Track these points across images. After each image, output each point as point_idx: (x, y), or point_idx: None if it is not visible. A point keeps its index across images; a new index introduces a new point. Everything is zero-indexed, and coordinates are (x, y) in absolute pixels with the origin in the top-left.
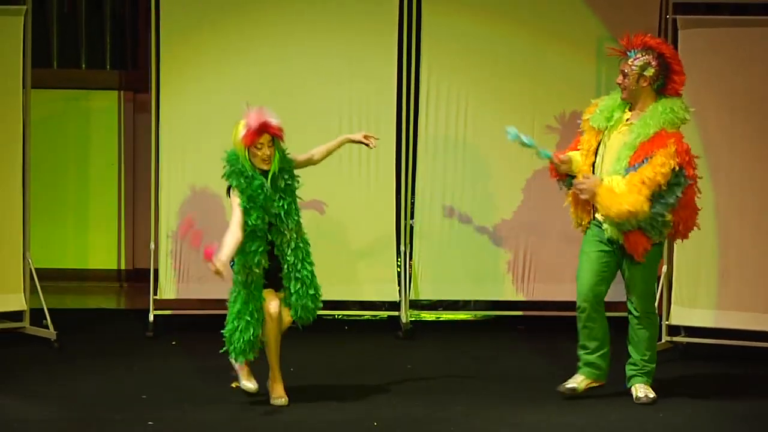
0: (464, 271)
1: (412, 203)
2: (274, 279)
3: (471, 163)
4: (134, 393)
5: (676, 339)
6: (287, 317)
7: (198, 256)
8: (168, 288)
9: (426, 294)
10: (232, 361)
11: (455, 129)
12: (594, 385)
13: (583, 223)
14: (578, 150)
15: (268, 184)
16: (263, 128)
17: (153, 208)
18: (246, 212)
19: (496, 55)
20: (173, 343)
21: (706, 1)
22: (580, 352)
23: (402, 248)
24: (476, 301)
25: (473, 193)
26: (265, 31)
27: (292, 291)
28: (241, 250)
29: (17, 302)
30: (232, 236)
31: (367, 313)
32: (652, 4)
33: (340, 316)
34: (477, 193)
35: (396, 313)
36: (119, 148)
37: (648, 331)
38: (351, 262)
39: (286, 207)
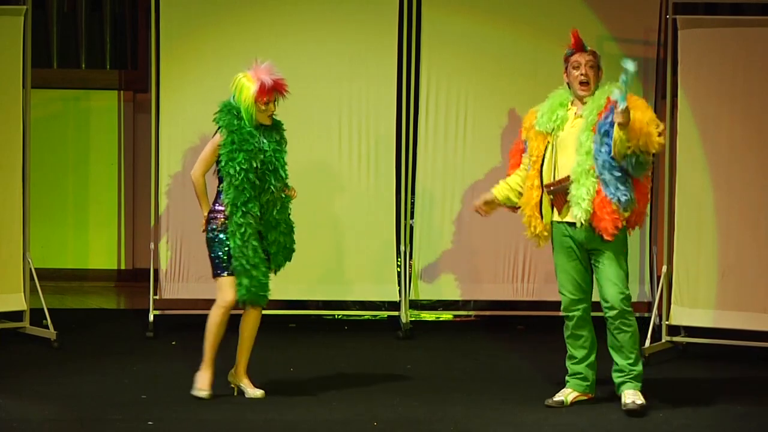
0: (464, 270)
1: (412, 203)
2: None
3: (471, 162)
4: (134, 393)
5: (675, 339)
6: (254, 313)
7: (197, 255)
8: (168, 288)
9: (425, 294)
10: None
11: (455, 129)
12: (582, 398)
13: (537, 230)
14: (517, 168)
15: (262, 138)
16: (278, 87)
17: (153, 208)
18: (232, 153)
19: (496, 55)
20: (173, 343)
21: (706, 1)
22: (568, 363)
23: (402, 248)
24: (476, 301)
25: (473, 193)
26: (265, 31)
27: (276, 248)
28: (234, 203)
29: (17, 302)
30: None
31: (367, 313)
32: (652, 4)
33: (340, 316)
34: (477, 192)
35: (396, 313)
36: (119, 148)
37: (628, 332)
38: (351, 262)
39: (280, 160)
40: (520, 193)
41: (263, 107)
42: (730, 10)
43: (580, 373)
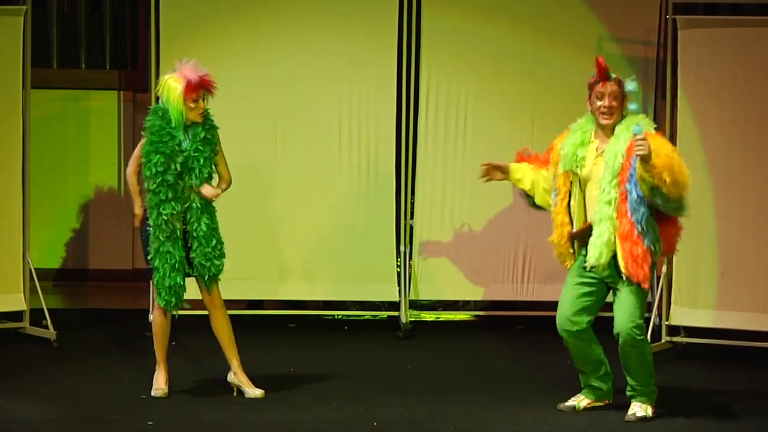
0: (464, 271)
1: (412, 203)
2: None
3: (471, 162)
4: (134, 393)
5: (675, 339)
6: (215, 312)
7: None
8: None
9: (425, 294)
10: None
11: (455, 129)
12: (597, 404)
13: (567, 265)
14: (544, 166)
15: (188, 138)
16: (204, 84)
17: None
18: (148, 155)
19: (496, 54)
20: (173, 343)
21: (706, 2)
22: (580, 375)
23: (402, 248)
24: (476, 301)
25: (473, 192)
26: (265, 31)
27: (202, 249)
28: (157, 203)
29: (17, 302)
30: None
31: (367, 313)
32: (652, 4)
33: (340, 316)
34: (477, 192)
35: (396, 313)
36: (119, 148)
37: (636, 359)
38: (351, 263)
39: (200, 160)
40: (531, 195)
41: (192, 105)
42: (730, 11)
43: (592, 385)
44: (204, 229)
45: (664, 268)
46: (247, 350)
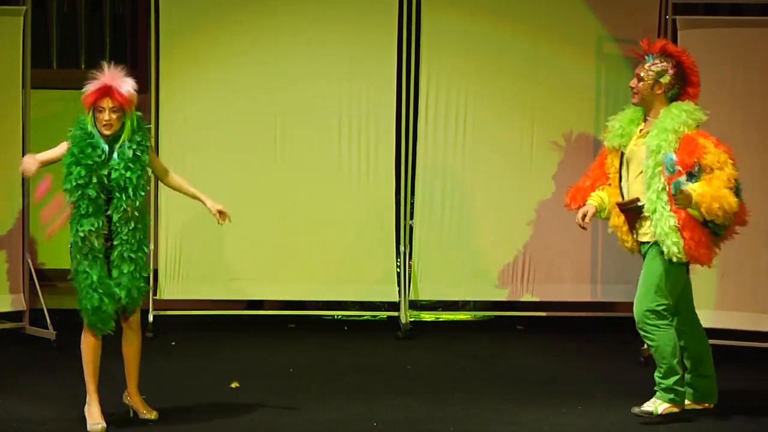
0: (464, 271)
1: (412, 203)
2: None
3: (471, 162)
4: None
5: None
6: (127, 333)
7: (197, 256)
8: (168, 288)
9: (425, 294)
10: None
11: (455, 129)
12: (697, 406)
13: (630, 246)
14: (601, 181)
15: (115, 153)
16: (106, 91)
17: (152, 208)
18: (69, 167)
19: (496, 54)
20: (173, 343)
21: (705, 2)
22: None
23: (402, 248)
24: (476, 302)
25: (473, 192)
26: (265, 31)
27: (125, 271)
28: (78, 218)
29: (17, 302)
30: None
31: (367, 314)
32: (652, 4)
33: (339, 317)
34: (477, 192)
35: (395, 314)
36: None
37: (651, 346)
38: (351, 263)
39: (132, 180)
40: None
41: (98, 114)
42: (730, 11)
43: (689, 384)
44: (125, 250)
45: None
46: (247, 350)
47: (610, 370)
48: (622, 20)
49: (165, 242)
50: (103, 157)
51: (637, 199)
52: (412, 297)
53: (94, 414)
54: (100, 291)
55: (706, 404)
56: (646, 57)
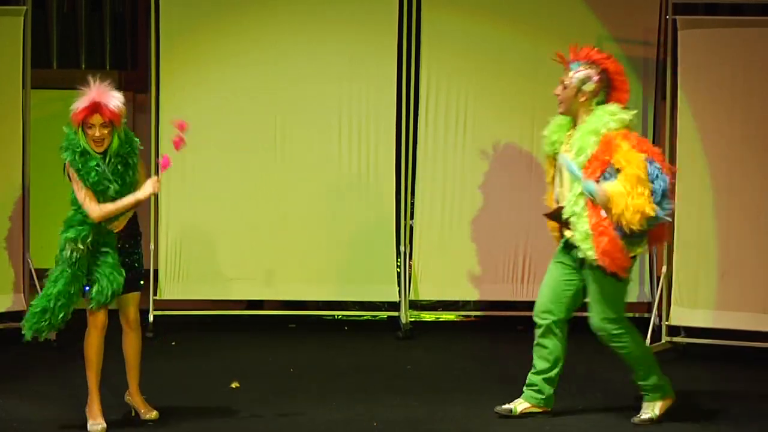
0: (464, 271)
1: (412, 203)
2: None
3: (471, 162)
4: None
5: (675, 339)
6: (133, 314)
7: (197, 256)
8: (168, 288)
9: (425, 294)
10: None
11: (455, 129)
12: (534, 410)
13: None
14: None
15: (104, 165)
16: (95, 108)
17: (153, 208)
18: (98, 186)
19: (496, 54)
20: (173, 343)
21: (706, 2)
22: (530, 372)
23: (402, 248)
24: (476, 302)
25: (473, 192)
26: (265, 31)
27: (106, 274)
28: (69, 224)
29: (17, 302)
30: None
31: (367, 314)
32: (652, 4)
33: (339, 317)
34: (477, 192)
35: (396, 314)
36: None
37: (623, 352)
38: (351, 263)
39: (122, 193)
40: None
41: (88, 131)
42: (730, 11)
43: (535, 385)
44: (109, 256)
45: (664, 269)
46: (247, 350)
47: (611, 369)
48: (622, 20)
49: (165, 242)
50: (101, 173)
51: (561, 207)
52: (413, 297)
53: (94, 413)
54: (55, 302)
55: (547, 408)
56: (570, 65)
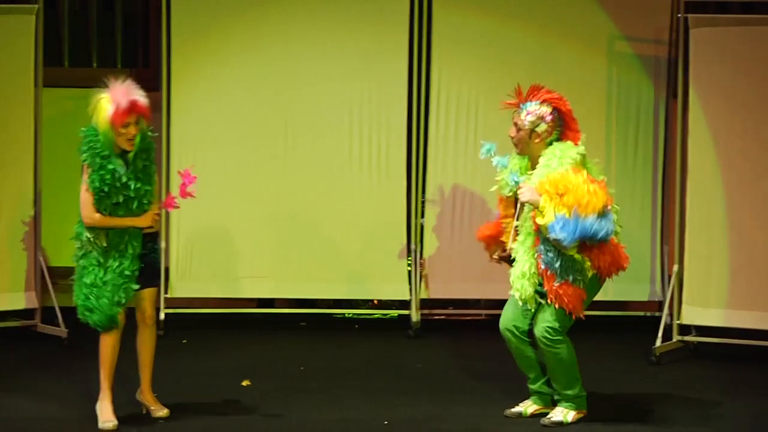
0: (475, 269)
1: (423, 202)
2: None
3: (481, 160)
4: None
5: (686, 338)
6: (150, 310)
7: (208, 254)
8: (179, 286)
9: (436, 293)
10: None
11: (465, 127)
12: (545, 410)
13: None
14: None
15: (124, 166)
16: (133, 108)
17: None
18: (100, 194)
19: (507, 54)
20: (184, 341)
21: (717, 0)
22: (527, 381)
23: (412, 247)
24: (486, 300)
25: (484, 190)
26: (276, 30)
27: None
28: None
29: (29, 300)
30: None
31: (378, 312)
32: (663, 2)
33: (350, 315)
34: (488, 190)
35: (406, 312)
36: None
37: (552, 359)
38: (361, 261)
39: (140, 191)
40: None
41: (122, 131)
42: (741, 9)
43: (538, 391)
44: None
45: (676, 267)
46: (257, 349)
47: (622, 368)
48: (633, 19)
49: (176, 241)
50: (119, 176)
51: (509, 253)
52: (423, 295)
53: (106, 411)
54: (96, 292)
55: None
56: (521, 105)
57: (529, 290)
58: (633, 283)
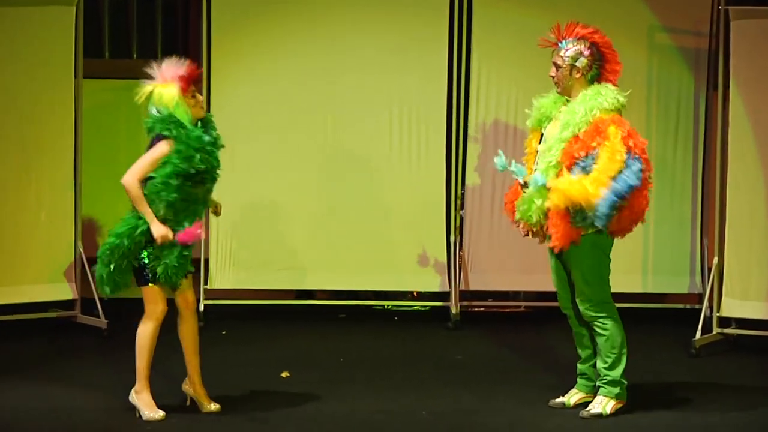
0: (514, 261)
1: (462, 194)
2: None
3: (521, 153)
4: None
5: (726, 331)
6: (192, 297)
7: (247, 245)
8: (218, 278)
9: (475, 285)
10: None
11: (505, 119)
12: (588, 399)
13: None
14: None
15: (204, 134)
16: (192, 74)
17: None
18: (186, 159)
19: None
20: (223, 332)
21: None
22: (578, 362)
23: (452, 239)
24: (526, 292)
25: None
26: (316, 23)
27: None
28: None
29: (69, 291)
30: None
31: (417, 304)
32: None
33: (390, 307)
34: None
35: (446, 304)
36: None
37: (602, 336)
38: (401, 253)
39: (217, 159)
40: None
41: (192, 101)
42: None
43: (585, 374)
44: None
45: (715, 260)
46: (297, 340)
47: (661, 361)
48: (673, 10)
49: (216, 232)
50: (206, 140)
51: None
52: (462, 287)
53: (149, 402)
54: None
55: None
56: (559, 44)
57: (533, 218)
58: (673, 276)
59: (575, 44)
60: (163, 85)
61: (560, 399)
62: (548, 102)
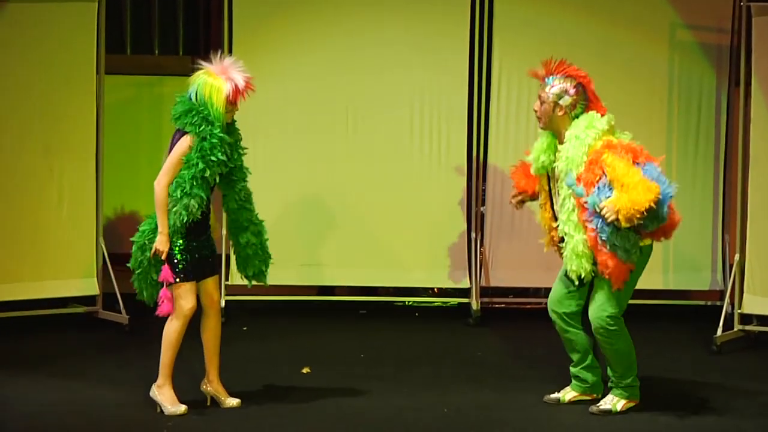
0: (535, 258)
1: (483, 190)
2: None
3: None
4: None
5: (747, 328)
6: (217, 296)
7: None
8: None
9: (496, 281)
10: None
11: (527, 116)
12: (583, 397)
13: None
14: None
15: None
16: (248, 87)
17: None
18: (208, 150)
19: (568, 43)
20: (245, 328)
21: None
22: (570, 364)
23: (473, 235)
24: (547, 289)
25: None
26: (338, 20)
27: (243, 243)
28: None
29: (90, 287)
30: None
31: (438, 300)
32: None
33: (410, 303)
34: None
35: (466, 300)
36: None
37: (608, 349)
38: (422, 249)
39: (239, 160)
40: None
41: (230, 107)
42: None
43: (577, 376)
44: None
45: (737, 257)
46: (318, 336)
47: (682, 357)
48: (695, 7)
49: None
50: (226, 142)
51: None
52: (483, 284)
53: (172, 397)
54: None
55: (594, 395)
56: (545, 79)
57: (587, 266)
58: (694, 273)
59: (561, 81)
60: (215, 77)
61: (555, 395)
62: (541, 149)
